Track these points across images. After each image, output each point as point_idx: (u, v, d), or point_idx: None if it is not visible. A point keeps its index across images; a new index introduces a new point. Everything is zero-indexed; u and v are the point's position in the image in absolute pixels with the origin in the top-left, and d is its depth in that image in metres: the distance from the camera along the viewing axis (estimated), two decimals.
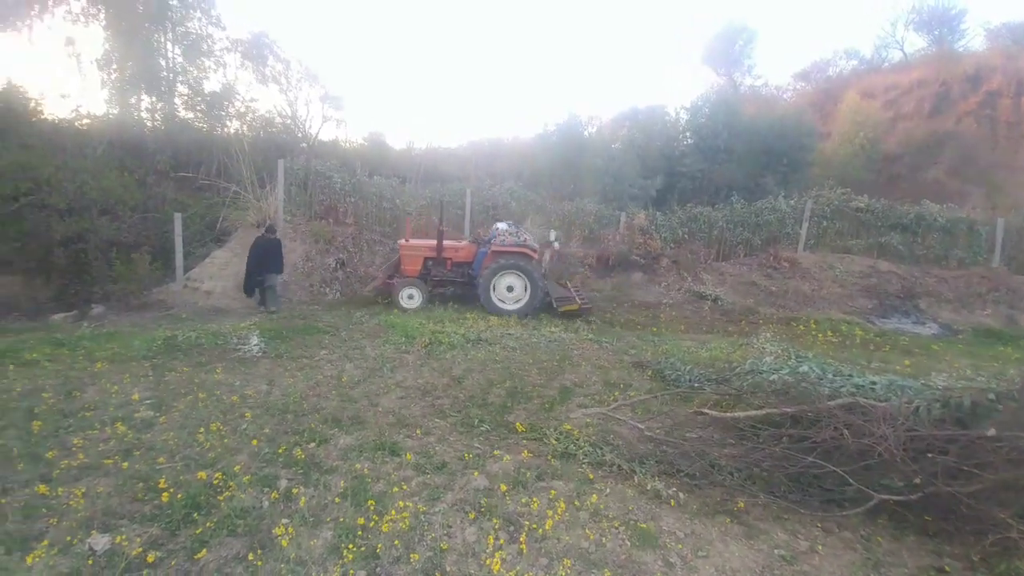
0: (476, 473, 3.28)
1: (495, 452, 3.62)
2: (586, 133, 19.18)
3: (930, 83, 22.35)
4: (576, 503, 3.06)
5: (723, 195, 17.23)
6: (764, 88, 29.19)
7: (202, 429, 3.52)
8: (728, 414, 4.51)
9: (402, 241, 9.75)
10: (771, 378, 4.75)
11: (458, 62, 54.93)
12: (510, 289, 9.21)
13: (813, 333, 9.08)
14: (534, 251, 9.55)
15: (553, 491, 3.13)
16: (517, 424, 4.14)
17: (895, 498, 3.13)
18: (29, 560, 2.19)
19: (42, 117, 13.53)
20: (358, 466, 3.22)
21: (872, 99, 22.79)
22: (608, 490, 3.30)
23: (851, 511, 3.21)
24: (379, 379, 5.01)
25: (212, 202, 12.43)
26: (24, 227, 10.33)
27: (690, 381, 5.68)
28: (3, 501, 2.56)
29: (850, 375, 4.75)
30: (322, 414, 4.03)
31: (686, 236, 13.59)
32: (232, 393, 4.29)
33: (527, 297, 9.19)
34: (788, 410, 3.94)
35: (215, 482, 2.87)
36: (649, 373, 5.96)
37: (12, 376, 4.38)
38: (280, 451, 3.33)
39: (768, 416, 4.03)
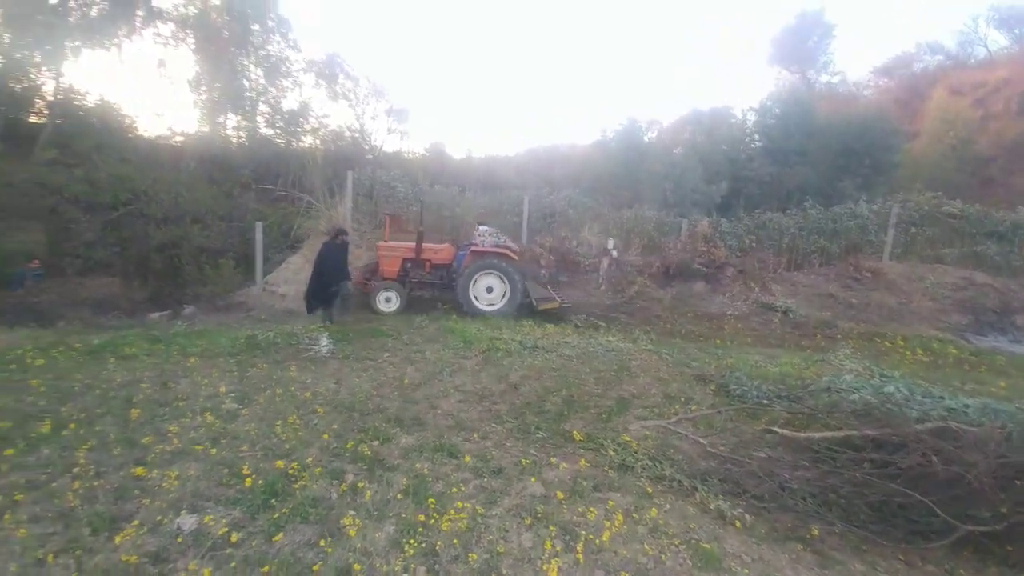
0: (534, 479, 3.28)
1: (552, 460, 3.61)
2: (646, 139, 18.79)
3: (1016, 82, 20.05)
4: (634, 516, 2.99)
5: (795, 200, 16.27)
6: (841, 85, 27.30)
7: (279, 422, 3.78)
8: (802, 434, 4.24)
9: (381, 242, 9.57)
10: (851, 398, 4.43)
11: (516, 69, 55.73)
12: (489, 290, 9.11)
13: (901, 350, 8.34)
14: (514, 252, 9.48)
15: (611, 502, 3.08)
16: (575, 433, 4.11)
17: (981, 529, 2.83)
18: (117, 540, 2.42)
19: (138, 134, 15.24)
20: (419, 466, 3.32)
21: (961, 97, 20.71)
22: (668, 506, 3.20)
23: (936, 543, 2.92)
24: (439, 383, 5.14)
25: (287, 211, 13.36)
26: (123, 234, 11.62)
27: (757, 397, 5.39)
28: (96, 484, 2.85)
29: (941, 397, 4.33)
30: (385, 414, 4.20)
31: (753, 244, 12.94)
32: (304, 390, 4.57)
33: (507, 297, 9.13)
34: (870, 433, 3.65)
35: (290, 472, 3.08)
36: (712, 387, 5.72)
37: (112, 368, 4.89)
38: (347, 447, 3.51)
39: (848, 438, 3.76)
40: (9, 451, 3.09)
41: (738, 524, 3.06)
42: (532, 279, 11.01)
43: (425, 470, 3.26)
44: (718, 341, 8.86)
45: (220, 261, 11.25)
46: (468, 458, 3.49)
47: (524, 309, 9.39)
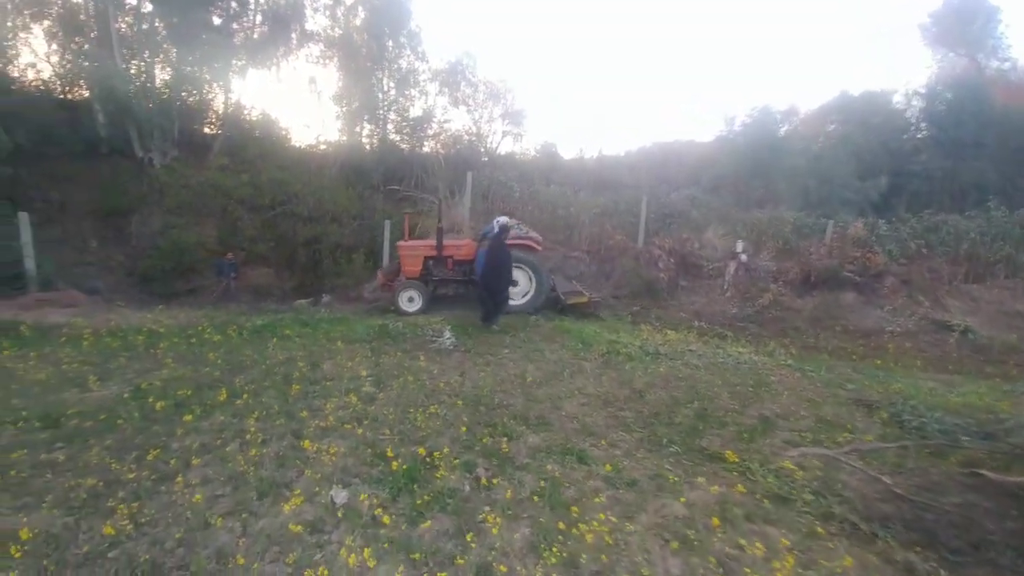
0: (682, 499, 2.97)
1: (697, 479, 3.26)
2: (781, 130, 16.92)
3: None
4: (805, 559, 2.55)
5: (970, 200, 13.55)
6: (1012, 72, 22.18)
7: (412, 409, 3.91)
8: (1012, 479, 3.42)
9: (400, 241, 9.26)
10: None
11: (629, 65, 54.10)
12: (514, 284, 8.34)
13: None
14: (538, 243, 8.76)
15: (784, 540, 2.66)
16: (728, 453, 3.67)
17: None
18: (287, 508, 2.61)
19: (291, 143, 17.33)
20: (548, 468, 3.19)
21: None
22: (842, 551, 2.69)
23: None
24: (560, 383, 5.00)
25: (411, 211, 14.25)
26: (277, 231, 13.22)
27: (940, 431, 4.47)
28: (263, 452, 3.12)
29: None
30: (510, 411, 4.15)
31: (923, 250, 10.97)
32: (432, 379, 4.72)
33: (532, 291, 8.48)
34: None
35: (429, 460, 3.13)
36: (881, 415, 4.85)
37: (273, 347, 5.52)
38: (478, 439, 3.50)
39: None
40: (188, 416, 3.54)
41: None
42: (559, 273, 10.37)
43: (556, 474, 3.12)
44: (878, 362, 7.61)
45: (352, 256, 12.33)
46: (608, 466, 3.27)
47: (551, 304, 8.85)
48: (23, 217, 7.90)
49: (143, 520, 2.48)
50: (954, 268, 11.19)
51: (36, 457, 3.04)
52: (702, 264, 11.36)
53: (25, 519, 2.44)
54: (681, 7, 59.36)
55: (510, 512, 2.70)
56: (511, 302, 8.44)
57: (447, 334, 6.24)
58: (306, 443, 3.21)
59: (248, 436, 3.28)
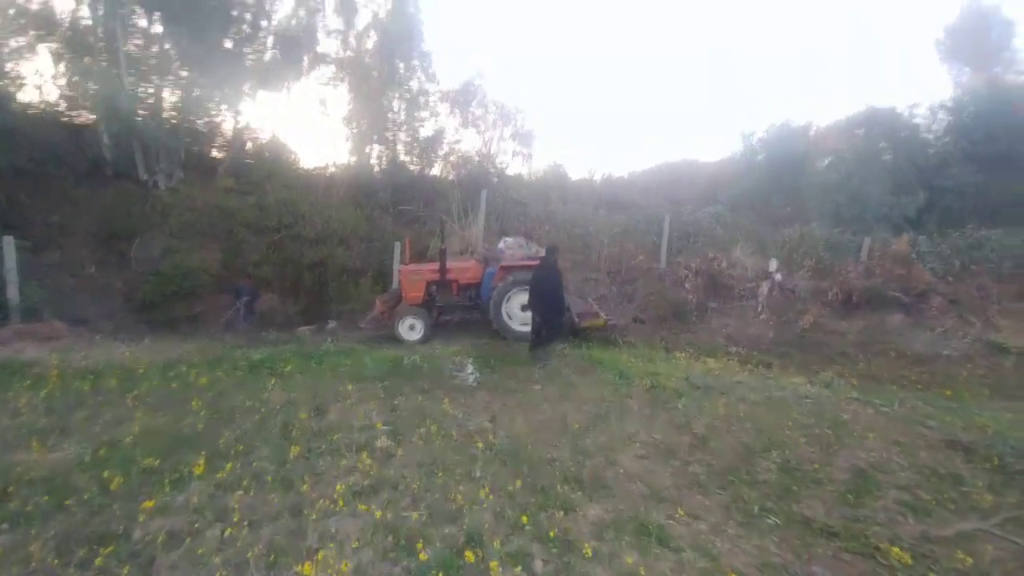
0: None
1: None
2: (804, 146, 16.34)
3: None
4: None
5: (1003, 216, 12.84)
6: None
7: (440, 471, 3.17)
8: None
9: (401, 265, 8.56)
10: None
11: (636, 84, 54.38)
12: (524, 308, 7.54)
13: None
14: None
15: None
16: (842, 525, 2.90)
17: None
18: None
19: (299, 165, 16.94)
20: (628, 560, 2.43)
21: None
22: None
23: None
24: (607, 428, 4.25)
25: (421, 232, 13.68)
26: (283, 253, 12.64)
27: None
28: (251, 543, 2.37)
29: None
30: (558, 469, 3.40)
31: (971, 267, 10.23)
32: (459, 427, 3.98)
33: None
34: None
35: (469, 546, 2.38)
36: (982, 460, 4.09)
37: (271, 388, 4.67)
38: (527, 512, 2.75)
39: None
40: (148, 503, 2.66)
41: None
42: (575, 294, 9.58)
43: (641, 571, 2.36)
44: (948, 392, 6.80)
45: (359, 280, 11.70)
46: (697, 553, 2.50)
47: (566, 327, 8.02)
48: (7, 241, 7.23)
49: None
50: (1001, 286, 10.43)
51: None
52: (732, 284, 10.63)
53: None
54: (682, 28, 60.07)
55: None
56: (523, 328, 7.70)
57: (469, 368, 5.52)
58: (308, 527, 2.47)
59: (233, 518, 2.54)
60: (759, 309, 10.01)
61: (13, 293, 7.17)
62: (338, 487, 2.87)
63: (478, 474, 3.20)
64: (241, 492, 2.79)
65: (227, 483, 2.89)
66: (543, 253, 8.17)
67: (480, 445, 3.69)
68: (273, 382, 4.80)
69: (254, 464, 3.12)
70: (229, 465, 3.07)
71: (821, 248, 11.53)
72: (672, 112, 51.34)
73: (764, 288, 10.12)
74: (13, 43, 11.98)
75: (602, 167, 37.84)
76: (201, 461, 3.08)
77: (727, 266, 10.96)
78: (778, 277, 10.12)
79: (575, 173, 23.36)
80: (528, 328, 7.71)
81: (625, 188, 23.60)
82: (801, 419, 4.95)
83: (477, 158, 20.18)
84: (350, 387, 4.76)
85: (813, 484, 3.53)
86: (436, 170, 19.27)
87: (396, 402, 4.45)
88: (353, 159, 18.20)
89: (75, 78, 12.64)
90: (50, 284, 10.84)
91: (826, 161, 15.51)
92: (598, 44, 57.50)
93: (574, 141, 43.62)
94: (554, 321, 6.39)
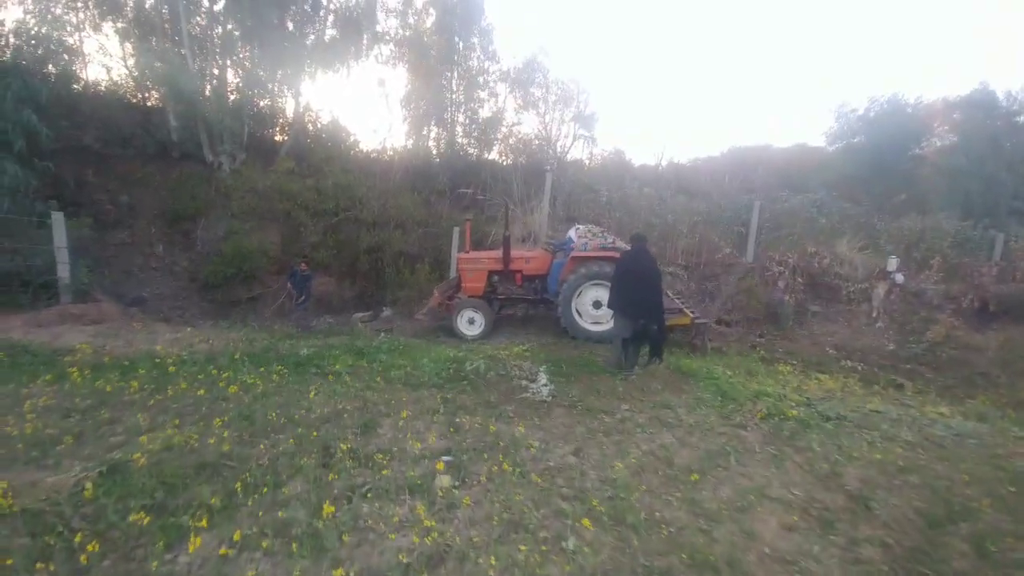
0: None
1: None
2: (915, 125, 14.05)
3: None
4: None
5: None
6: None
7: (517, 535, 2.33)
8: None
9: (461, 253, 7.79)
10: None
11: (704, 67, 50.93)
12: (597, 305, 6.67)
13: None
14: None
15: None
16: None
17: None
18: None
19: (358, 148, 16.65)
20: None
21: None
22: None
23: None
24: (727, 474, 3.25)
25: (480, 218, 12.95)
26: (340, 237, 12.33)
27: None
28: None
29: None
30: (676, 542, 2.47)
31: None
32: (537, 463, 3.13)
33: None
34: None
35: None
36: None
37: (313, 396, 3.99)
38: None
39: None
40: (156, 544, 2.06)
41: None
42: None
43: None
44: None
45: (416, 266, 11.17)
46: None
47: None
48: (57, 218, 7.03)
49: None
50: None
51: None
52: (838, 285, 9.10)
53: None
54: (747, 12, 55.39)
55: None
56: (595, 327, 6.80)
57: (542, 379, 4.65)
58: None
59: None
60: (874, 315, 8.48)
61: (64, 272, 7.01)
62: (385, 557, 2.10)
63: (571, 545, 2.33)
64: (258, 555, 2.07)
65: (245, 534, 2.18)
66: (620, 243, 7.17)
67: (567, 492, 2.83)
68: (318, 385, 4.15)
69: (279, 506, 2.41)
70: (252, 499, 2.39)
71: (947, 244, 9.70)
72: (736, 98, 47.65)
73: (880, 290, 8.55)
74: (76, 21, 12.15)
75: (667, 152, 35.66)
76: (217, 499, 2.41)
77: (831, 263, 9.42)
78: (899, 278, 8.51)
79: (637, 159, 21.84)
80: (599, 328, 6.79)
81: (692, 175, 21.91)
82: (975, 470, 3.75)
83: (537, 141, 19.19)
84: (404, 397, 4.03)
85: (1019, 571, 2.41)
86: (494, 154, 18.50)
87: (458, 420, 3.66)
88: (410, 142, 17.75)
89: (142, 58, 12.79)
90: (118, 264, 11.02)
91: (945, 143, 13.25)
92: (663, 25, 54.22)
93: (634, 125, 41.42)
94: (660, 320, 5.23)
